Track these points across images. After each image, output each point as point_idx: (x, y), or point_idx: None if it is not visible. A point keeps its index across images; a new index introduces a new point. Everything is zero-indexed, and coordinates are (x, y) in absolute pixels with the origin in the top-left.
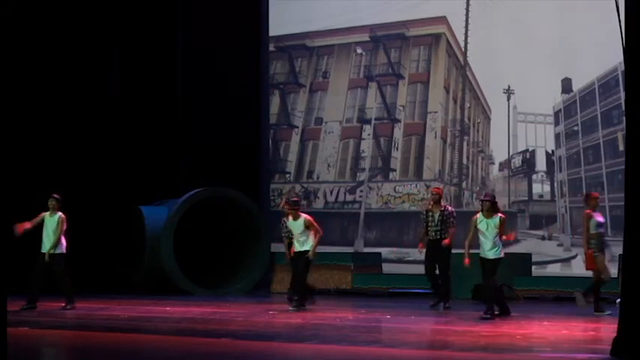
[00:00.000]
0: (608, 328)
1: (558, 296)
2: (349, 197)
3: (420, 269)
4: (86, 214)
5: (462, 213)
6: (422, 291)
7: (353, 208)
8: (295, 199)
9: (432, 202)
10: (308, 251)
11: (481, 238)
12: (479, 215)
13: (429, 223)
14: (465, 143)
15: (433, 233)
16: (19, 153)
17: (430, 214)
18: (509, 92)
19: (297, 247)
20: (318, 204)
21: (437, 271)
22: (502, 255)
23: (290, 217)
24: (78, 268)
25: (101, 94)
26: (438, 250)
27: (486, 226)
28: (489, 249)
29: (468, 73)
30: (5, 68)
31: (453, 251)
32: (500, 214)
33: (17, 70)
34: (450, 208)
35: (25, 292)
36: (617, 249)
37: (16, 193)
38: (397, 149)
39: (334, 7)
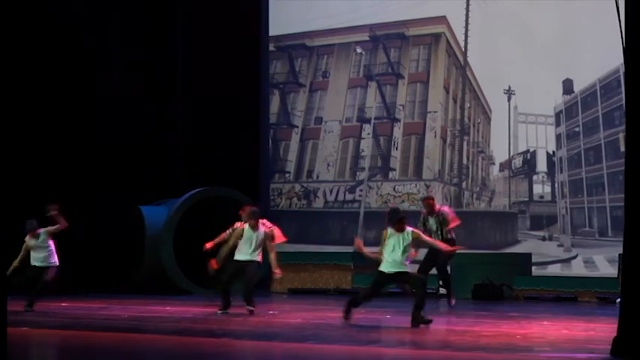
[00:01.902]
0: (608, 328)
1: (558, 296)
2: (349, 196)
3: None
4: (87, 214)
5: (462, 213)
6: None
7: (352, 208)
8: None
9: (425, 212)
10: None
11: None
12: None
13: (427, 229)
14: (465, 143)
15: (433, 237)
16: (19, 153)
17: (426, 218)
18: (509, 92)
19: (248, 257)
20: (318, 203)
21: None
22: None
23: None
24: (78, 268)
25: (101, 93)
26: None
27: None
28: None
29: (468, 72)
30: (4, 68)
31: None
32: (410, 229)
33: (17, 70)
34: (445, 208)
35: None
36: (617, 249)
37: (16, 194)
38: (397, 149)
39: (334, 7)
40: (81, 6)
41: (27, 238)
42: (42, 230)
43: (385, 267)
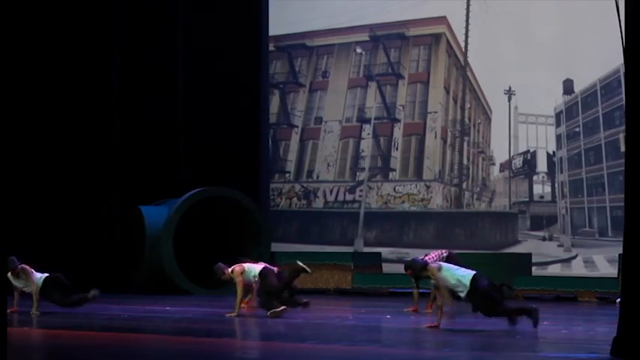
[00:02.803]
0: (608, 328)
1: (558, 296)
2: (349, 197)
3: None
4: (87, 213)
5: (463, 214)
6: (422, 291)
7: (353, 208)
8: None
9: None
10: None
11: None
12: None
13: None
14: (465, 144)
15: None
16: (20, 153)
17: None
18: (510, 93)
19: None
20: (318, 203)
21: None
22: None
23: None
24: (78, 268)
25: (101, 93)
26: None
27: None
28: None
29: (468, 73)
30: (6, 68)
31: (453, 251)
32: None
33: (18, 70)
34: (425, 258)
35: None
36: (617, 249)
37: (17, 193)
38: (397, 149)
39: (334, 7)
40: (81, 6)
41: (10, 277)
42: (22, 268)
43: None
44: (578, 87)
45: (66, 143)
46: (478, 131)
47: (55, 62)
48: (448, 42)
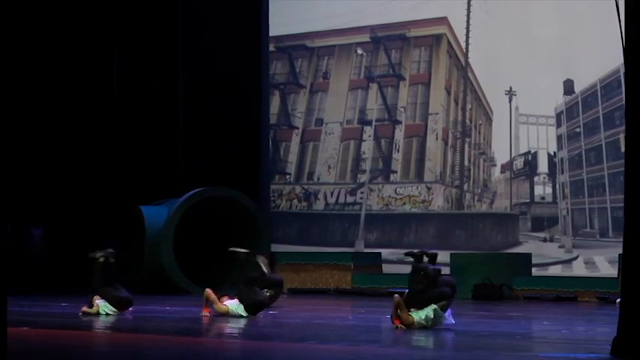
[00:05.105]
0: (608, 328)
1: (558, 296)
2: (350, 199)
3: None
4: (86, 213)
5: (464, 215)
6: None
7: (353, 210)
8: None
9: None
10: None
11: None
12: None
13: None
14: (466, 145)
15: None
16: (19, 153)
17: None
18: (510, 93)
19: None
20: (319, 205)
21: None
22: None
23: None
24: (78, 268)
25: (101, 93)
26: None
27: None
28: None
29: (469, 74)
30: (6, 68)
31: (454, 252)
32: None
33: (18, 71)
34: None
35: None
36: (618, 250)
37: (17, 194)
38: (398, 151)
39: (335, 8)
40: (82, 7)
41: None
42: None
43: None
44: (579, 87)
45: (66, 143)
46: (479, 132)
47: (54, 62)
48: (449, 43)
